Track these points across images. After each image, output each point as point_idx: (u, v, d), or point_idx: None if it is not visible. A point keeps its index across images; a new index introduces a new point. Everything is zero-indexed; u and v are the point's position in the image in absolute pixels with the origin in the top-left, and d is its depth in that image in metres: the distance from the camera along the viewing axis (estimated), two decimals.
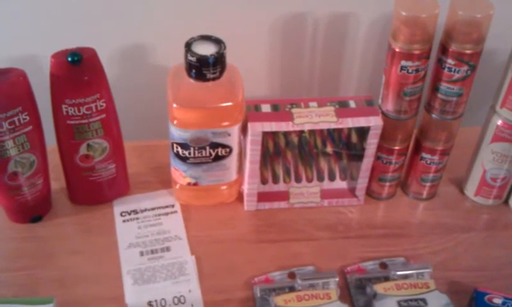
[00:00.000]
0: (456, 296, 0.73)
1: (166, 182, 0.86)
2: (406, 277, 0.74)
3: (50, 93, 0.73)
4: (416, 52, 0.71)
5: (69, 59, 0.70)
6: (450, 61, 0.72)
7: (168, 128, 0.76)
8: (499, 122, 0.78)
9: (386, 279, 0.74)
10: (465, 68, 0.72)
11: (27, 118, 0.72)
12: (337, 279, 0.73)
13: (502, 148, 0.79)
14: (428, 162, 0.82)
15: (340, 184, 0.86)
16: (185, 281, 0.74)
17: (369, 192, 0.86)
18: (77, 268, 0.76)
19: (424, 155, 0.82)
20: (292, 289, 0.72)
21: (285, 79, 0.98)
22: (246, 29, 0.90)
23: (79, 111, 0.73)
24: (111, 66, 0.77)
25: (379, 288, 0.71)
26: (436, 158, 0.81)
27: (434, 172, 0.83)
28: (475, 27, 0.70)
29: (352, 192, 0.85)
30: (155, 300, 0.72)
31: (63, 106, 0.72)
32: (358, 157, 0.81)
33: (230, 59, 0.75)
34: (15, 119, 0.71)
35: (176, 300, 0.73)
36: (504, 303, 0.70)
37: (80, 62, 0.70)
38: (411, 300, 0.70)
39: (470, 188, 0.86)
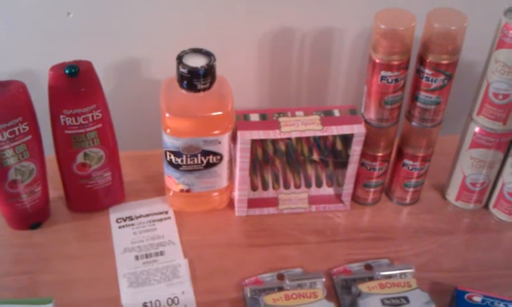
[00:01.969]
0: (438, 296, 0.75)
1: (159, 190, 0.88)
2: (389, 277, 0.77)
3: (48, 104, 0.75)
4: (395, 62, 0.75)
5: (67, 71, 0.73)
6: (427, 71, 0.76)
7: (161, 137, 0.79)
8: (476, 129, 0.81)
9: (371, 279, 0.77)
10: (442, 77, 0.76)
11: (27, 127, 0.75)
12: (324, 280, 0.76)
13: (480, 154, 0.82)
14: (410, 168, 0.85)
15: (327, 190, 0.89)
16: (179, 283, 0.77)
17: (355, 198, 0.89)
18: (75, 272, 0.78)
19: (406, 161, 0.85)
20: (280, 289, 0.75)
21: (273, 91, 1.00)
22: (236, 43, 0.93)
23: (76, 121, 0.76)
24: (107, 79, 0.80)
25: (363, 287, 0.74)
26: (417, 164, 0.85)
27: (416, 177, 0.86)
28: (451, 39, 0.73)
29: (338, 198, 0.88)
30: (150, 302, 0.75)
31: (61, 116, 0.75)
32: (343, 164, 0.84)
33: (221, 72, 0.78)
34: (15, 129, 0.74)
35: (170, 301, 0.75)
36: (483, 301, 0.73)
37: (77, 74, 0.73)
38: (393, 298, 0.73)
39: (451, 194, 0.89)
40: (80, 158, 0.80)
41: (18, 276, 0.78)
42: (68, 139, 0.77)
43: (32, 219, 0.83)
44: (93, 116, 0.76)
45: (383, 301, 0.73)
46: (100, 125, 0.78)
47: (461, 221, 0.88)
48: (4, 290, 0.76)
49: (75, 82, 0.74)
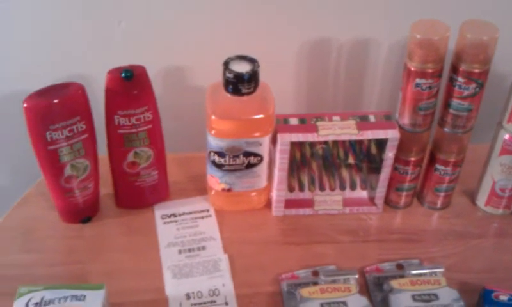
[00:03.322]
0: (466, 295, 0.77)
1: (201, 190, 0.93)
2: (419, 275, 0.79)
3: (104, 105, 0.80)
4: (430, 70, 0.78)
5: (122, 74, 0.77)
6: (460, 79, 0.79)
7: (206, 138, 0.83)
8: (506, 136, 0.84)
9: (402, 277, 0.79)
10: (474, 85, 0.79)
11: (84, 126, 0.80)
12: (357, 277, 0.79)
13: (510, 161, 0.85)
14: (442, 173, 0.88)
15: (360, 193, 0.92)
16: (219, 276, 0.81)
17: (387, 201, 0.92)
18: (122, 263, 0.82)
19: (438, 166, 0.88)
20: (315, 284, 0.78)
21: (311, 98, 1.04)
22: (277, 52, 0.96)
23: (129, 121, 0.81)
24: (155, 84, 0.84)
25: (395, 283, 0.77)
26: (449, 169, 0.88)
27: (447, 183, 0.89)
28: (482, 49, 0.77)
29: (371, 200, 0.91)
30: (192, 293, 0.78)
31: (115, 116, 0.80)
32: (377, 168, 0.87)
33: (263, 78, 0.82)
34: (74, 127, 0.79)
35: (211, 292, 0.79)
36: (509, 300, 0.75)
37: (132, 77, 0.78)
38: (423, 294, 0.76)
39: (481, 199, 0.91)
40: (130, 156, 0.84)
41: (70, 266, 0.82)
42: (120, 138, 0.82)
43: (84, 213, 0.88)
44: (144, 117, 0.81)
45: (413, 297, 0.75)
46: (150, 126, 0.82)
47: (489, 226, 0.91)
48: (57, 278, 0.80)
49: (129, 85, 0.78)
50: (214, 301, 0.78)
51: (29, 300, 0.70)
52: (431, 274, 0.80)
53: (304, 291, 0.76)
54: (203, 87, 0.85)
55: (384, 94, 1.04)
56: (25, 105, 0.75)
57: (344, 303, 0.75)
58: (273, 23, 0.95)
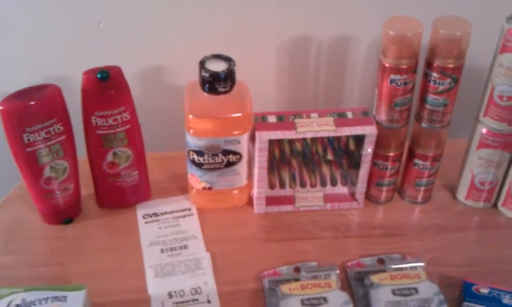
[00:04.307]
0: (447, 289, 0.77)
1: (183, 188, 0.93)
2: (400, 270, 0.80)
3: (81, 106, 0.80)
4: (404, 66, 0.79)
5: (98, 75, 0.78)
6: (434, 75, 0.80)
7: (185, 137, 0.83)
8: (483, 130, 0.84)
9: (383, 272, 0.80)
10: (448, 80, 0.80)
11: (61, 128, 0.80)
12: (338, 272, 0.80)
13: (488, 154, 0.86)
14: (421, 167, 0.89)
15: (341, 189, 0.93)
16: (202, 275, 0.81)
17: (368, 197, 0.93)
18: (104, 264, 0.83)
19: (417, 161, 0.88)
20: (297, 280, 0.78)
21: (291, 95, 1.04)
22: (256, 50, 0.97)
23: (107, 122, 0.81)
24: (134, 84, 0.84)
25: (375, 278, 0.78)
26: (428, 164, 0.88)
27: (427, 177, 0.90)
28: (456, 44, 0.77)
29: (352, 196, 0.92)
30: (175, 291, 0.79)
31: (93, 117, 0.80)
32: (357, 164, 0.88)
33: (242, 77, 0.82)
34: (51, 129, 0.79)
35: (193, 291, 0.79)
36: (489, 293, 0.76)
37: (108, 78, 0.78)
38: (403, 289, 0.76)
39: (461, 193, 0.92)
40: (110, 157, 0.85)
41: (52, 267, 0.82)
42: (99, 139, 0.82)
43: (65, 214, 0.88)
44: (122, 118, 0.81)
45: (393, 291, 0.76)
46: (128, 126, 0.83)
47: (470, 219, 0.91)
48: (39, 279, 0.80)
49: (105, 86, 0.79)
50: (197, 299, 0.78)
51: (10, 302, 0.70)
52: (411, 268, 0.80)
53: (285, 288, 0.77)
54: (183, 87, 0.86)
55: (365, 91, 1.05)
56: (1, 107, 0.75)
57: (324, 299, 0.75)
58: (252, 22, 0.95)
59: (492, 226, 0.90)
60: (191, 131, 0.82)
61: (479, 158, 0.87)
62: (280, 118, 0.85)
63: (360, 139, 0.86)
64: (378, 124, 0.85)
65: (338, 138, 0.91)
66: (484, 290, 0.76)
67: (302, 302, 0.75)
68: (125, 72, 0.81)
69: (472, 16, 0.78)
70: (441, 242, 0.87)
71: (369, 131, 0.83)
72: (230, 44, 0.87)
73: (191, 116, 0.81)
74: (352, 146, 0.89)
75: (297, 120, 0.84)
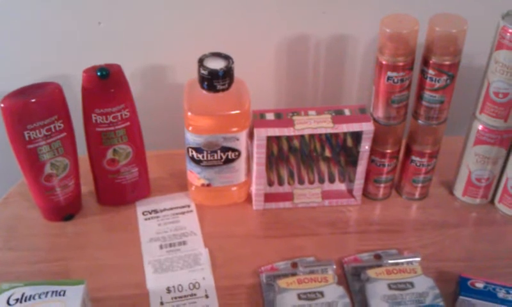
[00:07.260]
0: (444, 283, 0.78)
1: (182, 186, 0.94)
2: (396, 264, 0.81)
3: (81, 104, 0.81)
4: (400, 63, 0.79)
5: (98, 73, 0.78)
6: (431, 72, 0.80)
7: (184, 134, 0.84)
8: (480, 127, 0.85)
9: (379, 267, 0.80)
10: (445, 77, 0.80)
11: (62, 125, 0.81)
12: (334, 267, 0.81)
13: (484, 150, 0.86)
14: (418, 164, 0.90)
15: (339, 186, 0.94)
16: (200, 270, 0.82)
17: (366, 193, 0.93)
18: (104, 260, 0.83)
19: (414, 157, 0.89)
20: (294, 275, 0.79)
21: (290, 93, 1.05)
22: (255, 49, 0.98)
23: (107, 119, 0.82)
24: (134, 83, 0.85)
25: (371, 273, 0.78)
26: (425, 160, 0.89)
27: (424, 174, 0.90)
28: (452, 41, 0.78)
29: (350, 193, 0.93)
30: (173, 286, 0.79)
31: (93, 115, 0.81)
32: (354, 161, 0.88)
33: (241, 76, 0.83)
34: (51, 126, 0.80)
35: (191, 286, 0.80)
36: (485, 287, 0.76)
37: (107, 76, 0.79)
38: (399, 283, 0.77)
39: (458, 189, 0.93)
40: (109, 154, 0.85)
41: (53, 263, 0.83)
42: (99, 136, 0.83)
43: (65, 211, 0.89)
44: (121, 115, 0.82)
45: (389, 285, 0.77)
46: (128, 123, 0.83)
47: (467, 215, 0.92)
48: (40, 275, 0.81)
49: (105, 84, 0.80)
50: (195, 294, 0.79)
51: (10, 297, 0.71)
52: (407, 263, 0.81)
53: (282, 282, 0.77)
54: (182, 84, 0.86)
55: (363, 88, 1.06)
56: (2, 105, 0.76)
57: (321, 293, 0.76)
58: (251, 20, 0.96)
59: (489, 222, 0.91)
60: (190, 128, 0.83)
61: (476, 155, 0.87)
62: (278, 115, 0.86)
63: (357, 136, 0.86)
64: (375, 121, 0.86)
65: (336, 135, 0.91)
66: (480, 285, 0.77)
67: (299, 296, 0.76)
68: (124, 70, 0.81)
69: (467, 14, 0.79)
70: (438, 238, 0.88)
71: (366, 128, 0.84)
72: (229, 42, 0.87)
73: (189, 113, 0.82)
74: (349, 143, 0.90)
75: (295, 117, 0.85)
